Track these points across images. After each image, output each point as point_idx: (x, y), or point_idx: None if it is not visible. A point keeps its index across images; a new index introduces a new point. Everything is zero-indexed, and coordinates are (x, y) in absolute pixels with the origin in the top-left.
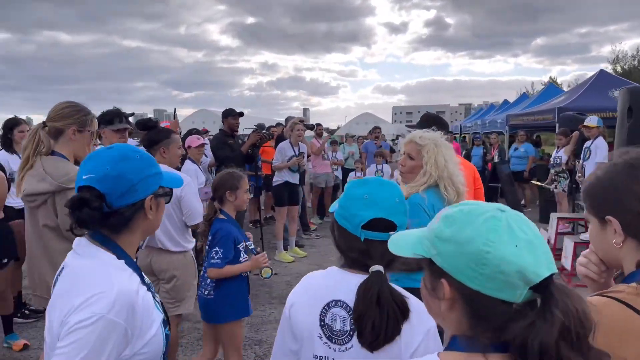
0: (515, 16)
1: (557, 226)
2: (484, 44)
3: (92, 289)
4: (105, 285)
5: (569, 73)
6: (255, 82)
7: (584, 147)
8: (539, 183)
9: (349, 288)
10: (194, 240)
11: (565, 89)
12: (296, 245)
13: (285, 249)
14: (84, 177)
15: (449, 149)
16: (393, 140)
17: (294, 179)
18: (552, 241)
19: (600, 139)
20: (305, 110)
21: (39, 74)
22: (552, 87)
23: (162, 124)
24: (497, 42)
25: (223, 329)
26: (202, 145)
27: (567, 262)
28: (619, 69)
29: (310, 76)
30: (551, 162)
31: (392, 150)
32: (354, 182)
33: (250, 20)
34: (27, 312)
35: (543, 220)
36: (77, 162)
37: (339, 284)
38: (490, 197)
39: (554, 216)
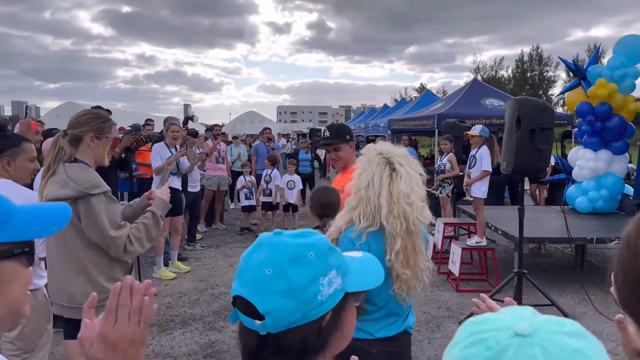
0: (392, 25)
1: (443, 230)
2: (363, 50)
3: None
4: None
5: (437, 80)
6: (131, 74)
7: (470, 155)
8: (426, 189)
9: None
10: (45, 274)
11: (435, 93)
12: (178, 259)
13: (166, 264)
14: None
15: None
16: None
17: (176, 183)
18: (439, 245)
19: (484, 148)
20: (186, 107)
21: None
22: (429, 94)
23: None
24: (374, 48)
25: None
26: None
27: (454, 267)
28: (479, 77)
29: (192, 71)
30: (436, 169)
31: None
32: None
33: (126, 9)
34: None
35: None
36: (98, 169)
37: None
38: None
39: (440, 221)
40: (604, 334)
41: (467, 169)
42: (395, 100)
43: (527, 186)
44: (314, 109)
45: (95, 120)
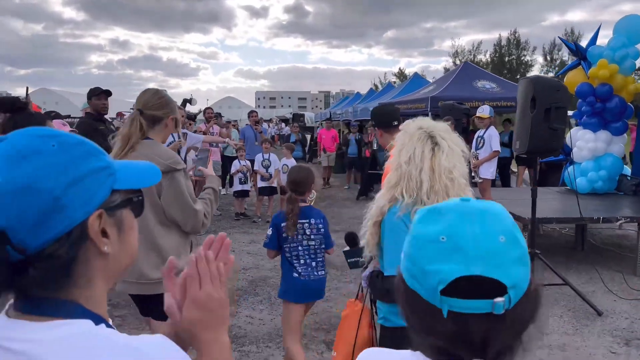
0: (370, 8)
1: None
2: (341, 34)
3: None
4: None
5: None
6: (104, 59)
7: (476, 136)
8: None
9: None
10: None
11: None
12: None
13: None
14: None
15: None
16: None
17: None
18: None
19: (492, 128)
20: None
21: None
22: (417, 78)
23: None
24: (353, 32)
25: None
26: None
27: None
28: (457, 62)
29: (167, 56)
30: None
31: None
32: (423, 213)
33: None
34: None
35: None
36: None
37: None
38: (371, 183)
39: None
40: (615, 311)
41: (473, 149)
42: (375, 85)
43: (514, 168)
44: (292, 95)
45: (173, 103)
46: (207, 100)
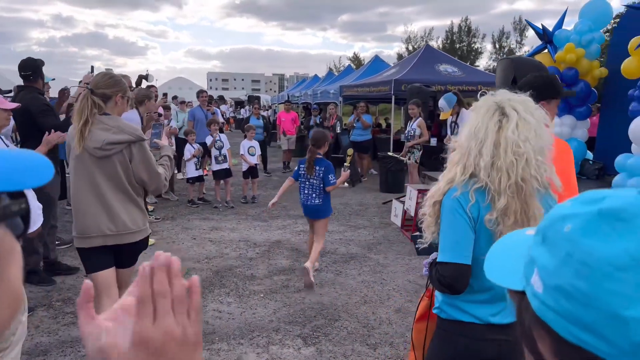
0: None
1: (417, 197)
2: (296, 16)
3: None
4: None
5: (369, 50)
6: (46, 36)
7: (449, 122)
8: (396, 155)
9: None
10: None
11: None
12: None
13: None
14: None
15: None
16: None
17: None
18: (413, 213)
19: (464, 110)
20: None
21: None
22: (378, 60)
23: None
24: (307, 14)
25: (322, 222)
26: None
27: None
28: (410, 48)
29: (114, 34)
30: (405, 135)
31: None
32: (587, 222)
33: None
34: None
35: (383, 189)
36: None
37: None
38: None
39: (412, 187)
40: None
41: (451, 135)
42: (330, 69)
43: None
44: (246, 77)
45: (122, 83)
46: (156, 80)
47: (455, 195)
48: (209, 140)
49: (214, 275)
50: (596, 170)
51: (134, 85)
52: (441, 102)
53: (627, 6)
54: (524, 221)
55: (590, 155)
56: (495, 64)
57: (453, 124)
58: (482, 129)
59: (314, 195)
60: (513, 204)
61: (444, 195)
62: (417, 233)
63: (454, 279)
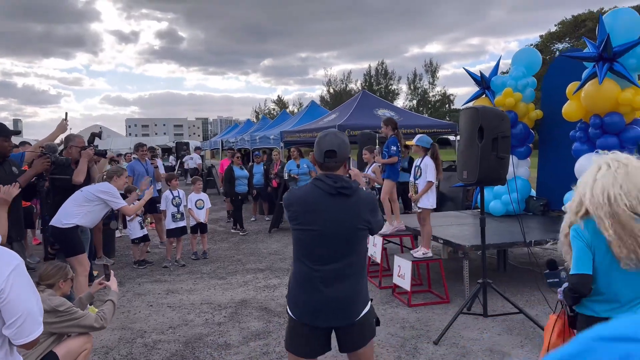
0: (247, 36)
1: (382, 243)
2: (218, 61)
3: None
4: None
5: (292, 92)
6: None
7: (414, 165)
8: None
9: None
10: None
11: (290, 107)
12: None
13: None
14: None
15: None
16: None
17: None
18: (378, 259)
19: (428, 158)
20: (16, 122)
21: None
22: (314, 105)
23: None
24: (229, 59)
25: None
26: None
27: (403, 281)
28: (332, 90)
29: (23, 82)
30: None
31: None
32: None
33: None
34: None
35: None
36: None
37: None
38: (282, 214)
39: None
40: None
41: (412, 179)
42: (257, 112)
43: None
44: (168, 121)
45: (61, 270)
46: (71, 128)
47: (574, 226)
48: (168, 196)
49: (184, 348)
50: (541, 206)
51: (86, 143)
52: (423, 139)
53: (565, 55)
54: (625, 237)
55: (533, 192)
56: (412, 104)
57: (417, 168)
58: (588, 176)
59: None
60: (613, 225)
61: (569, 228)
62: (548, 271)
63: (579, 285)
